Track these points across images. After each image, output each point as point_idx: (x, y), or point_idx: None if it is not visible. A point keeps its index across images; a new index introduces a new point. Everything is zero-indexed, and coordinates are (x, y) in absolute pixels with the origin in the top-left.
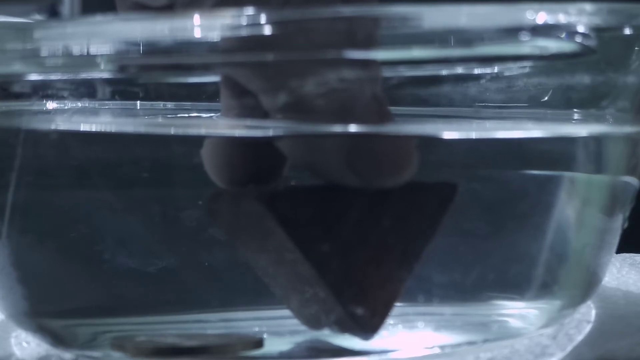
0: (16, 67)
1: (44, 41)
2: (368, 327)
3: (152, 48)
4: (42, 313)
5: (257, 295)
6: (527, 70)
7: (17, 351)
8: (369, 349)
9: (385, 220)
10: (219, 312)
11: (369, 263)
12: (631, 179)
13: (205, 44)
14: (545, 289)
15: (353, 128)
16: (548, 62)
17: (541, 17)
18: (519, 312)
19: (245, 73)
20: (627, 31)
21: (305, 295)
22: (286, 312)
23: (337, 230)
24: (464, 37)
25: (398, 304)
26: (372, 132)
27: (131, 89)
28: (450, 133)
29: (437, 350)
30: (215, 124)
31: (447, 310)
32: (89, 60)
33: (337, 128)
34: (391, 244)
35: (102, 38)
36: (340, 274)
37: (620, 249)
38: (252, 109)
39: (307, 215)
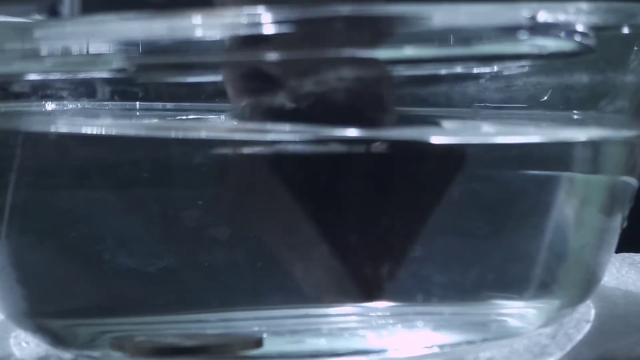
0: (16, 67)
1: (43, 41)
2: (372, 289)
3: (160, 47)
4: (41, 313)
5: (256, 295)
6: (526, 69)
7: (16, 351)
8: (368, 348)
9: (393, 181)
10: (219, 312)
11: (375, 225)
12: (630, 179)
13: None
14: (544, 289)
15: (353, 132)
16: (547, 61)
17: (540, 16)
18: (518, 312)
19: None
20: (626, 30)
21: (312, 259)
22: (286, 311)
23: (344, 191)
24: (463, 36)
25: (397, 303)
26: (375, 137)
27: (130, 89)
28: (449, 137)
29: (436, 350)
30: (214, 125)
31: (446, 309)
32: (88, 60)
33: (338, 132)
34: (398, 206)
35: (102, 38)
36: (347, 235)
37: (620, 249)
38: (262, 109)
39: (314, 175)
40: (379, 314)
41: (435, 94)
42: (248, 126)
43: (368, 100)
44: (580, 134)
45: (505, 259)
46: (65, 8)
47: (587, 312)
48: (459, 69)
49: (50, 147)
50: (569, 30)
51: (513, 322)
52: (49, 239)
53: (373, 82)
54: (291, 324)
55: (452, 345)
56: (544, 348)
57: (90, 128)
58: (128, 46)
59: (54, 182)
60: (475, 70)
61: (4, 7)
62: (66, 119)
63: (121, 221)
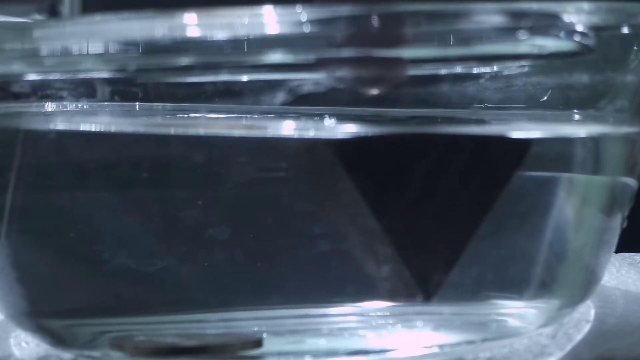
0: (16, 67)
1: (43, 41)
2: (429, 284)
3: (160, 47)
4: (41, 313)
5: (256, 295)
6: (525, 69)
7: (16, 351)
8: (368, 348)
9: (453, 174)
10: (219, 312)
11: (433, 218)
12: (630, 179)
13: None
14: (544, 289)
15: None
16: (546, 61)
17: (539, 15)
18: (517, 312)
19: None
20: (626, 30)
21: (376, 253)
22: (286, 311)
23: (403, 183)
24: (463, 36)
25: (396, 303)
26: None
27: (130, 89)
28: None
29: (436, 350)
30: (214, 124)
31: (446, 309)
32: (88, 60)
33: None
34: (457, 200)
35: (102, 38)
36: (403, 229)
37: (620, 249)
38: None
39: (374, 165)
40: (379, 314)
41: (435, 94)
42: (247, 123)
43: None
44: (579, 131)
45: (505, 258)
46: (65, 8)
47: (587, 312)
48: (459, 69)
49: (50, 147)
50: (569, 30)
51: (513, 322)
52: (48, 239)
53: None
54: (291, 324)
55: (451, 345)
56: (543, 348)
57: (90, 126)
58: (128, 46)
59: (54, 182)
60: (475, 70)
61: (4, 7)
62: (66, 118)
63: (121, 221)
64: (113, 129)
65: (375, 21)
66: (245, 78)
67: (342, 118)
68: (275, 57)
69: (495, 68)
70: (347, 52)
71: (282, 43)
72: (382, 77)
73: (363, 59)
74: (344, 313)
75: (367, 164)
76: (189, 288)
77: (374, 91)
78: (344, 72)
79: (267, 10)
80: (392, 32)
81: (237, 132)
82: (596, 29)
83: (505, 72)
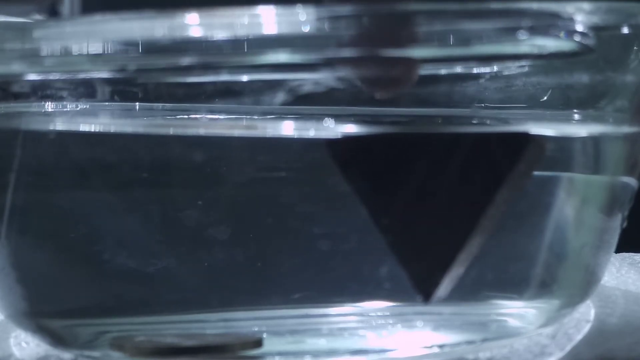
0: (16, 67)
1: (43, 41)
2: (426, 286)
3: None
4: (41, 313)
5: (256, 295)
6: (525, 69)
7: (16, 351)
8: (368, 348)
9: (452, 173)
10: (219, 312)
11: (430, 218)
12: (630, 179)
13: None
14: (544, 289)
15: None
16: (546, 61)
17: (539, 15)
18: (517, 312)
19: None
20: (626, 30)
21: (375, 253)
22: (286, 311)
23: (401, 183)
24: (463, 36)
25: (397, 303)
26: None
27: (130, 89)
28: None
29: (436, 350)
30: (213, 124)
31: (446, 309)
32: (88, 60)
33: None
34: (455, 200)
35: (102, 38)
36: (400, 229)
37: (620, 249)
38: None
39: (372, 166)
40: (379, 314)
41: (435, 94)
42: (246, 123)
43: None
44: (579, 131)
45: (505, 258)
46: (65, 8)
47: (587, 312)
48: (459, 69)
49: (50, 147)
50: (569, 30)
51: (513, 322)
52: (48, 239)
53: None
54: (291, 324)
55: (451, 345)
56: (544, 348)
57: (89, 126)
58: (128, 46)
59: (54, 182)
60: (475, 70)
61: (4, 7)
62: (66, 118)
63: (121, 221)
64: (113, 129)
65: (382, 20)
66: (245, 78)
67: (342, 118)
68: (275, 57)
69: (495, 68)
70: (352, 52)
71: (282, 43)
72: (390, 78)
73: (370, 59)
74: (344, 313)
75: (365, 164)
76: (189, 288)
77: (384, 93)
78: (350, 73)
79: (267, 10)
80: (399, 32)
81: (237, 132)
82: (596, 29)
83: (505, 72)
